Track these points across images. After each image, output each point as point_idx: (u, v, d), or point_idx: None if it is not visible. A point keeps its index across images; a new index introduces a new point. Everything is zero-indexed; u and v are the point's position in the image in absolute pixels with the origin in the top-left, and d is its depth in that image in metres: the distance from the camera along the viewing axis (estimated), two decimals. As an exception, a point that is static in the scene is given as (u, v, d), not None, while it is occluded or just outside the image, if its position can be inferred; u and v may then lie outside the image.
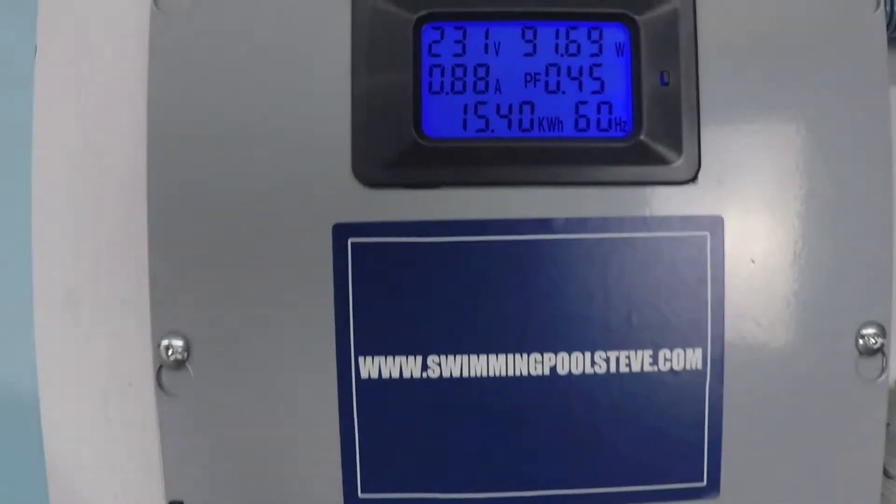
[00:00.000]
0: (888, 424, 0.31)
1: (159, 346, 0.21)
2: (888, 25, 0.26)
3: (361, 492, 0.20)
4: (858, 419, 0.22)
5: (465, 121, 0.20)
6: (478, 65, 0.21)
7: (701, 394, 0.21)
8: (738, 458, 0.21)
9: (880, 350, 0.22)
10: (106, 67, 0.30)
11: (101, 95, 0.30)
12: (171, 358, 0.21)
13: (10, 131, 0.30)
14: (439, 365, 0.20)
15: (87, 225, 0.30)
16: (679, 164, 0.21)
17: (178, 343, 0.21)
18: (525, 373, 0.20)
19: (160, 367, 0.22)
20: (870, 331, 0.22)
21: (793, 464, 0.22)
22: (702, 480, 0.21)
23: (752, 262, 0.21)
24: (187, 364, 0.21)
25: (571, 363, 0.21)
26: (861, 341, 0.22)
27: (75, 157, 0.30)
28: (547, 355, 0.20)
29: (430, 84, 0.20)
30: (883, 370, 0.22)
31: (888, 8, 0.25)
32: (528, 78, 0.20)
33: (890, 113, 0.22)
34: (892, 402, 0.31)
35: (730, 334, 0.21)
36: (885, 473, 0.31)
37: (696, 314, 0.21)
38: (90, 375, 0.31)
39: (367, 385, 0.20)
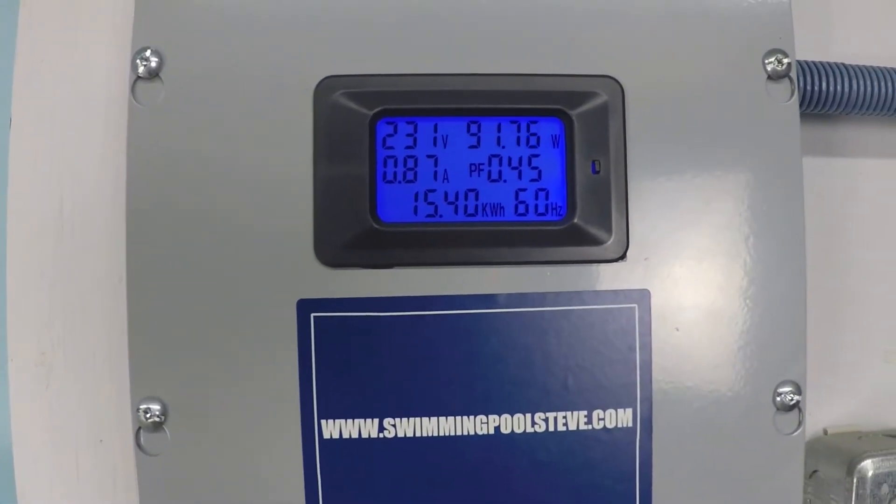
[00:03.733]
0: (816, 471, 0.36)
1: (138, 409, 0.26)
2: (802, 102, 0.32)
3: (325, 544, 0.25)
4: (778, 470, 0.27)
5: (416, 207, 0.25)
6: (427, 155, 0.25)
7: (632, 449, 0.26)
8: None
9: (796, 406, 0.27)
10: (77, 140, 0.35)
11: (73, 167, 0.35)
12: (149, 420, 0.26)
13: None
14: (394, 426, 0.25)
15: (59, 291, 0.35)
16: (609, 244, 0.26)
17: (156, 407, 0.25)
18: (472, 432, 0.25)
19: (139, 428, 0.26)
20: (786, 388, 0.27)
21: None
22: (635, 527, 0.26)
23: (677, 330, 0.26)
24: (164, 426, 0.26)
25: (514, 423, 0.25)
26: (778, 398, 0.27)
27: (48, 226, 0.35)
28: (491, 416, 0.25)
29: (385, 174, 0.25)
30: (799, 424, 0.27)
31: (801, 85, 0.31)
32: (473, 168, 0.25)
33: (802, 193, 0.27)
34: (819, 452, 0.36)
35: (657, 395, 0.26)
36: None
37: (627, 378, 0.25)
38: (62, 433, 0.35)
39: (329, 444, 0.25)
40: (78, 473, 0.35)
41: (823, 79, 0.32)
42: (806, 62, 0.32)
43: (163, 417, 0.25)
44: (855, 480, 0.34)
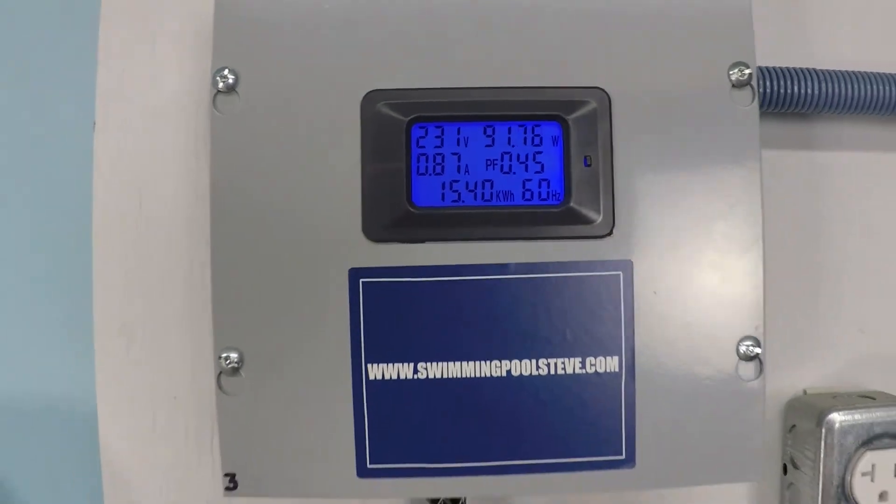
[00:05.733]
0: (794, 426, 0.44)
1: (219, 357, 0.34)
2: (770, 103, 0.40)
3: (370, 463, 0.34)
4: (741, 412, 0.35)
5: (443, 194, 0.34)
6: (452, 153, 0.34)
7: (618, 390, 0.34)
8: (648, 439, 0.34)
9: (756, 357, 0.35)
10: (152, 142, 0.43)
11: (149, 164, 0.44)
12: (228, 366, 0.34)
13: (74, 191, 0.44)
14: (426, 369, 0.34)
15: (138, 272, 0.44)
16: (599, 223, 0.34)
17: (234, 355, 0.34)
18: (489, 374, 0.34)
19: (220, 373, 0.35)
20: (748, 343, 0.35)
21: (691, 444, 0.34)
22: (621, 454, 0.34)
23: (655, 293, 0.34)
24: (240, 371, 0.35)
25: (522, 367, 0.34)
26: (741, 349, 0.35)
27: (128, 216, 0.44)
28: (504, 361, 0.34)
29: (418, 168, 0.34)
30: (759, 373, 0.35)
31: (761, 88, 0.39)
32: (489, 162, 0.34)
33: (761, 181, 0.35)
34: (798, 409, 0.44)
35: (639, 346, 0.34)
36: (793, 464, 0.45)
37: (614, 331, 0.34)
38: (140, 392, 0.44)
39: (373, 384, 0.34)
40: (154, 428, 0.44)
41: (788, 82, 0.40)
42: (773, 68, 0.40)
43: (239, 364, 0.34)
44: (824, 431, 0.42)
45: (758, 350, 0.34)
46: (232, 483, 0.34)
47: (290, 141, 0.34)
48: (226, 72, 0.34)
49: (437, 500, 0.39)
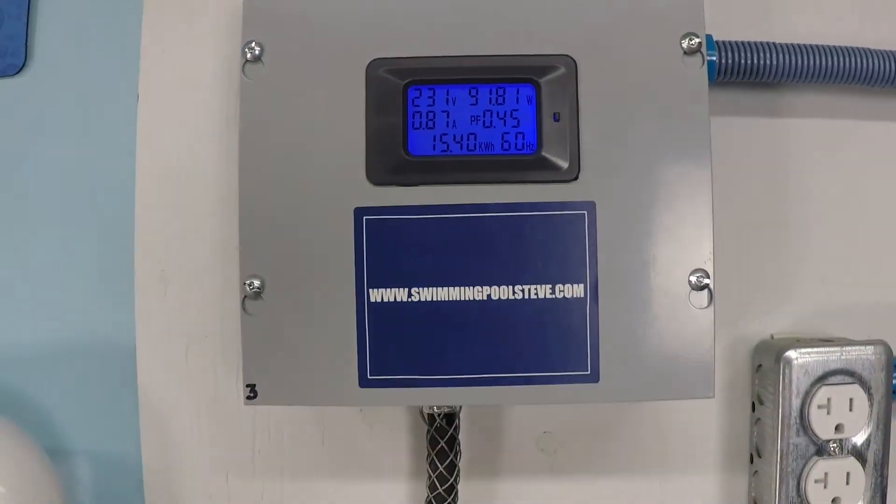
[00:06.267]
0: (760, 365, 0.50)
1: (244, 283, 0.41)
2: (727, 73, 0.46)
3: (370, 374, 0.40)
4: (694, 336, 0.40)
5: (434, 145, 0.40)
6: (442, 111, 0.41)
7: (583, 313, 0.40)
8: (610, 357, 0.40)
9: (707, 287, 0.41)
10: (188, 109, 0.51)
11: (186, 129, 0.51)
12: (252, 291, 0.41)
13: (120, 154, 0.52)
14: (418, 293, 0.40)
15: (174, 224, 0.51)
16: (566, 170, 0.40)
17: (257, 282, 0.41)
18: (472, 298, 0.40)
19: (244, 297, 0.42)
20: (698, 274, 0.41)
21: (649, 364, 0.40)
22: (587, 370, 0.40)
23: (615, 229, 0.41)
24: (262, 295, 0.41)
25: (500, 292, 0.40)
26: (692, 280, 0.41)
27: (166, 175, 0.51)
28: (485, 287, 0.40)
29: (413, 123, 0.41)
30: (710, 301, 0.41)
31: (724, 60, 0.45)
32: (473, 118, 0.41)
33: (709, 134, 0.41)
34: (764, 351, 0.49)
35: (601, 275, 0.40)
36: (759, 401, 0.50)
37: (579, 262, 0.40)
38: (175, 331, 0.51)
39: (374, 306, 0.40)
40: (187, 363, 0.52)
41: (748, 54, 0.47)
42: (735, 42, 0.47)
43: (261, 289, 0.41)
44: (782, 366, 0.48)
45: (707, 281, 0.40)
46: (252, 393, 0.41)
47: (306, 101, 0.41)
48: (253, 44, 0.42)
49: (435, 416, 0.45)
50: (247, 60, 0.41)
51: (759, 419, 0.51)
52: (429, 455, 0.45)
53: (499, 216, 0.40)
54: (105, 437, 0.53)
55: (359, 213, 0.40)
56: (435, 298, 0.40)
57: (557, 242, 0.40)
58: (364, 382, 0.40)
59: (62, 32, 0.51)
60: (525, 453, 0.50)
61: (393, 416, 0.50)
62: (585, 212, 0.40)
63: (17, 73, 0.50)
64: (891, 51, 0.49)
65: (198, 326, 0.51)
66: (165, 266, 0.51)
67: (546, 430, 0.50)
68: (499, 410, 0.50)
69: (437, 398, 0.41)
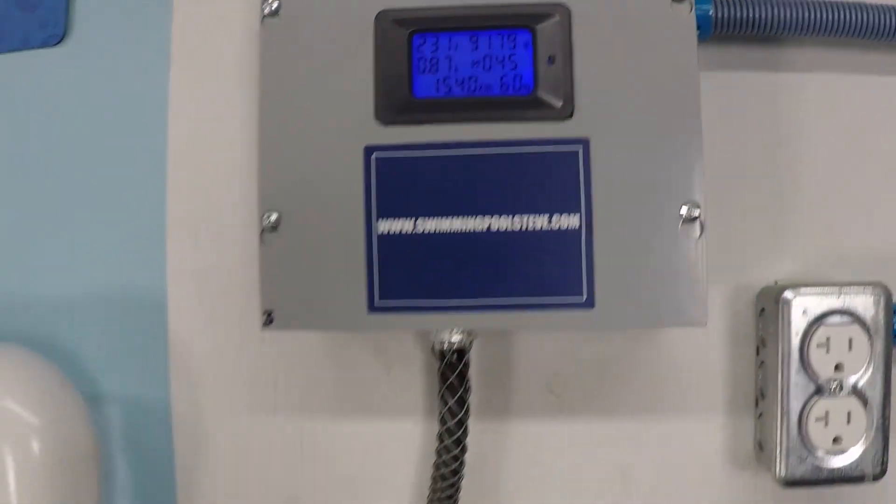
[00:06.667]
0: (763, 308, 0.52)
1: (262, 217, 0.44)
2: (724, 27, 0.49)
3: (378, 300, 0.44)
4: (685, 266, 0.43)
5: (437, 87, 0.44)
6: (445, 56, 0.44)
7: (579, 242, 0.43)
8: (605, 285, 0.42)
9: (697, 219, 0.44)
10: (217, 76, 0.55)
11: (211, 94, 0.56)
12: (269, 224, 0.44)
13: (153, 117, 0.56)
14: (423, 224, 0.44)
15: (206, 178, 0.55)
16: (561, 108, 0.43)
17: (274, 216, 0.44)
18: (473, 228, 0.43)
19: (262, 230, 0.45)
20: (688, 206, 0.43)
21: (643, 293, 0.42)
22: (582, 296, 0.43)
23: (608, 164, 0.44)
24: (278, 228, 0.45)
25: (500, 223, 0.43)
26: (683, 212, 0.43)
27: (197, 137, 0.55)
28: (486, 217, 0.43)
29: (418, 68, 0.44)
30: (701, 233, 0.43)
31: (721, 13, 0.48)
32: (474, 62, 0.44)
33: (697, 75, 0.44)
34: (767, 295, 0.51)
35: (596, 206, 0.42)
36: (763, 343, 0.52)
37: (575, 194, 0.43)
38: (204, 281, 0.55)
39: (382, 237, 0.44)
40: (213, 311, 0.55)
41: (744, 8, 0.49)
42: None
43: (278, 222, 0.45)
44: (781, 307, 0.50)
45: (697, 212, 0.43)
46: (269, 319, 0.44)
47: (319, 50, 0.45)
48: (270, 0, 0.46)
49: (445, 352, 0.47)
50: (265, 15, 0.45)
51: (762, 362, 0.52)
52: (440, 389, 0.48)
53: (498, 152, 0.43)
54: (136, 383, 0.56)
55: (368, 150, 0.44)
56: (438, 229, 0.43)
57: (553, 177, 0.43)
58: (372, 309, 0.44)
59: (100, 4, 0.56)
60: (534, 394, 0.53)
61: (409, 358, 0.53)
62: (580, 147, 0.43)
63: (58, 43, 0.55)
64: (892, 5, 0.50)
65: (224, 277, 0.54)
66: (194, 221, 0.55)
67: (556, 371, 0.53)
68: (507, 352, 0.53)
69: (439, 322, 0.44)
